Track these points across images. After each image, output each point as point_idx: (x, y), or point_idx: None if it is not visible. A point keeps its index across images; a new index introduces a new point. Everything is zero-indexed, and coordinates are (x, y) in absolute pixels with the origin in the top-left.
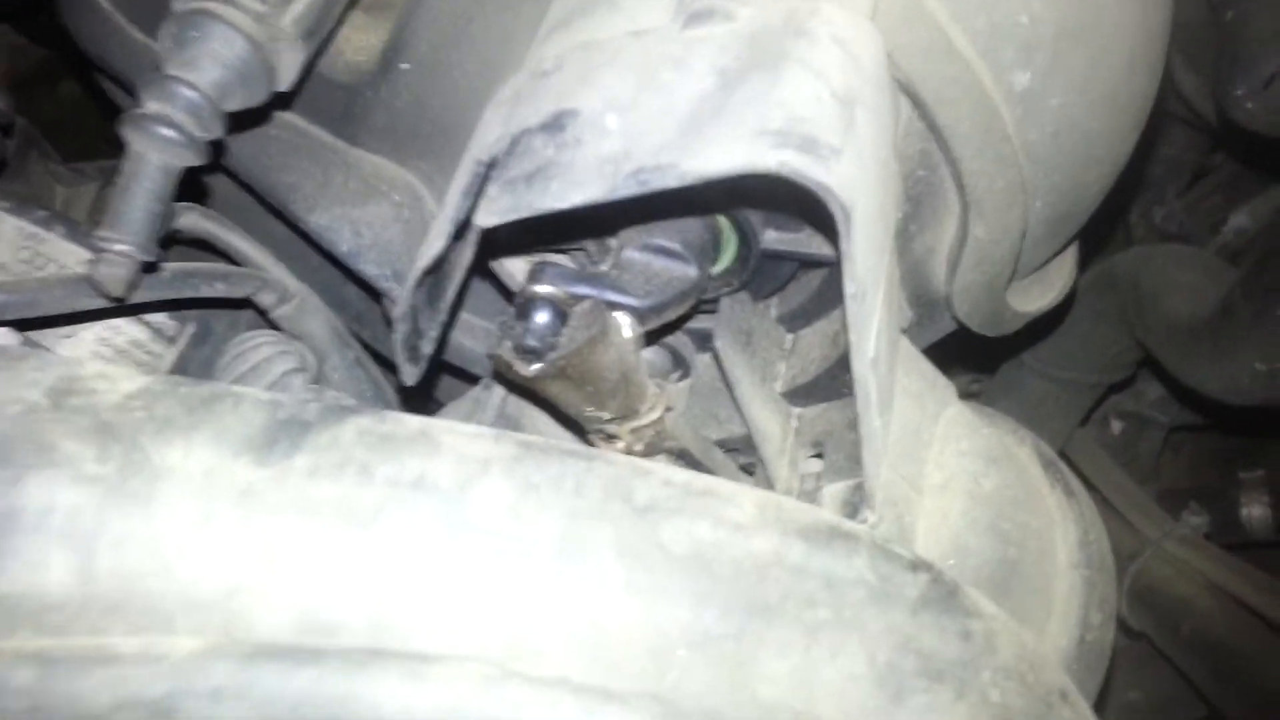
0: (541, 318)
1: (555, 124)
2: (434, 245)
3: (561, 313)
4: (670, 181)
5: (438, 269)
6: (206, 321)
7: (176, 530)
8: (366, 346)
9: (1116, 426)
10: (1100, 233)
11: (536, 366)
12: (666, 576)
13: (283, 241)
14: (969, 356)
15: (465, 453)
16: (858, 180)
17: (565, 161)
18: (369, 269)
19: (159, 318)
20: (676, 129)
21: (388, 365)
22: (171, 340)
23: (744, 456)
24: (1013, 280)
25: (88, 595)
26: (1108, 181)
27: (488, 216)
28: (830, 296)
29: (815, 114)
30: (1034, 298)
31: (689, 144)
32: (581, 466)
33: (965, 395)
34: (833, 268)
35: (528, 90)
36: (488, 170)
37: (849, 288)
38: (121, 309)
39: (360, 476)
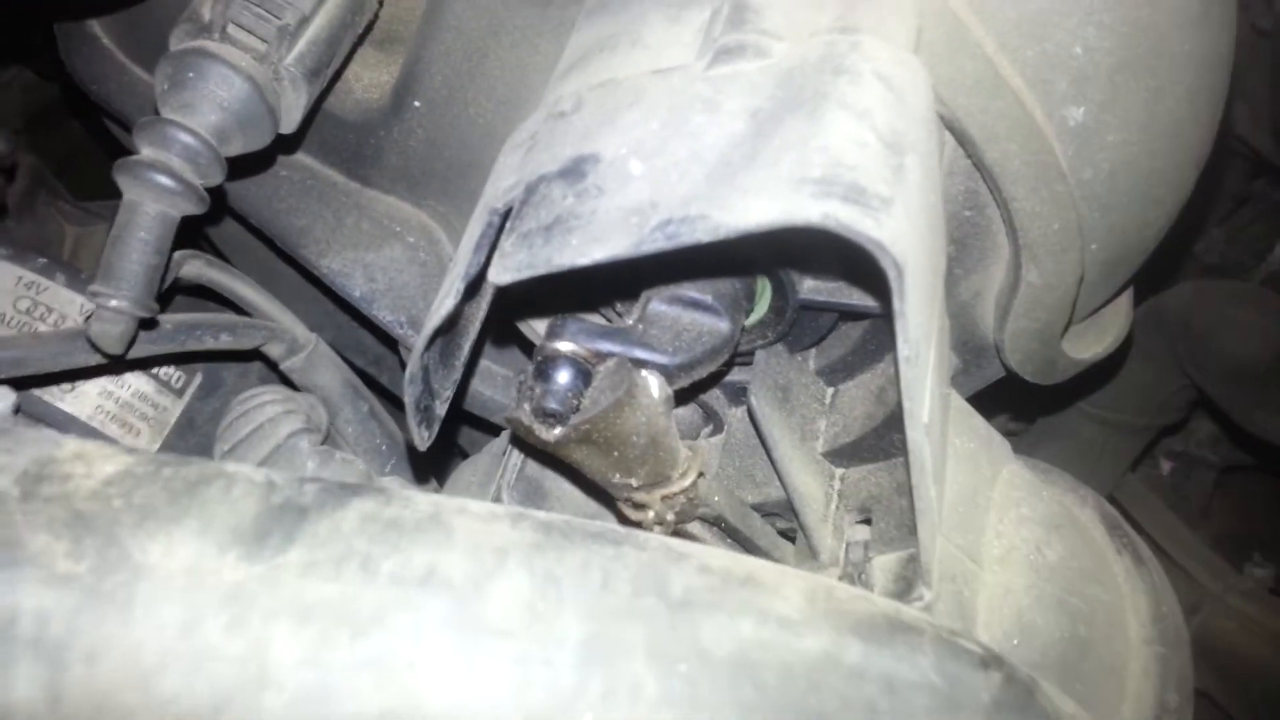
0: (563, 378)
1: (575, 170)
2: (445, 304)
3: (584, 372)
4: (701, 236)
5: (450, 328)
6: (215, 372)
7: (157, 639)
8: (386, 392)
9: (1165, 467)
10: (1154, 272)
11: (558, 431)
12: (707, 685)
13: (295, 287)
14: (1008, 396)
15: (479, 541)
16: (909, 233)
17: (586, 212)
18: (383, 315)
19: (166, 370)
20: (706, 177)
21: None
22: (179, 393)
23: (783, 521)
24: (1069, 328)
25: (58, 716)
26: (1167, 222)
27: (502, 273)
28: (873, 349)
29: (861, 160)
30: (1089, 344)
31: (721, 194)
32: (609, 554)
33: (1004, 434)
34: (876, 319)
35: (545, 133)
36: (502, 221)
37: (903, 350)
38: (125, 363)
39: (362, 573)
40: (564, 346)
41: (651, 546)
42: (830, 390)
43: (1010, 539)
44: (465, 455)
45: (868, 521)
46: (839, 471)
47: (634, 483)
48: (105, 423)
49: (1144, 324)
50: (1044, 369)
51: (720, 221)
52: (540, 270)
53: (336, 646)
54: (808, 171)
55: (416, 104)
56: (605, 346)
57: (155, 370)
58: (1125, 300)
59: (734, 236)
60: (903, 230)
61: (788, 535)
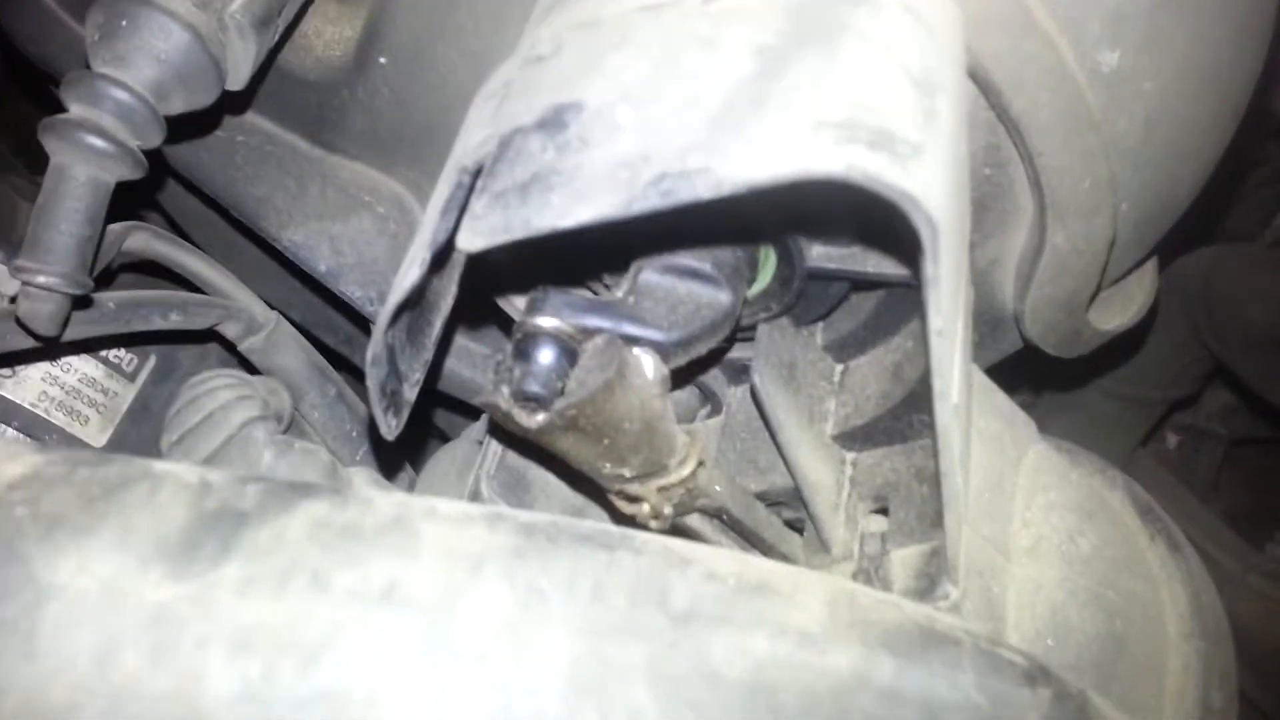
0: (545, 357)
1: (555, 121)
2: (409, 275)
3: (569, 351)
4: (703, 191)
5: (417, 302)
6: (170, 355)
7: (68, 673)
8: (360, 373)
9: (1172, 440)
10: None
11: (541, 417)
12: (718, 712)
13: (260, 263)
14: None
15: (451, 548)
16: (943, 185)
17: (568, 168)
18: (351, 290)
19: (116, 352)
20: (707, 125)
21: None
22: (131, 377)
23: (790, 511)
24: (1096, 296)
25: None
26: (1201, 179)
27: (473, 238)
28: (888, 321)
29: (888, 101)
30: (1113, 313)
31: (725, 143)
32: (601, 560)
33: None
34: (892, 288)
35: (520, 80)
36: (473, 180)
37: (934, 322)
38: (68, 346)
39: (312, 589)
40: (546, 322)
41: (650, 550)
42: (839, 367)
43: (1039, 527)
44: (445, 439)
45: (883, 511)
46: (850, 456)
47: (627, 473)
48: (50, 410)
49: (1161, 291)
50: (1067, 341)
51: (724, 175)
52: (516, 234)
53: (281, 678)
54: (827, 114)
55: (382, 60)
56: (592, 322)
57: (105, 353)
58: (1150, 266)
59: (740, 192)
60: (936, 182)
61: (795, 526)
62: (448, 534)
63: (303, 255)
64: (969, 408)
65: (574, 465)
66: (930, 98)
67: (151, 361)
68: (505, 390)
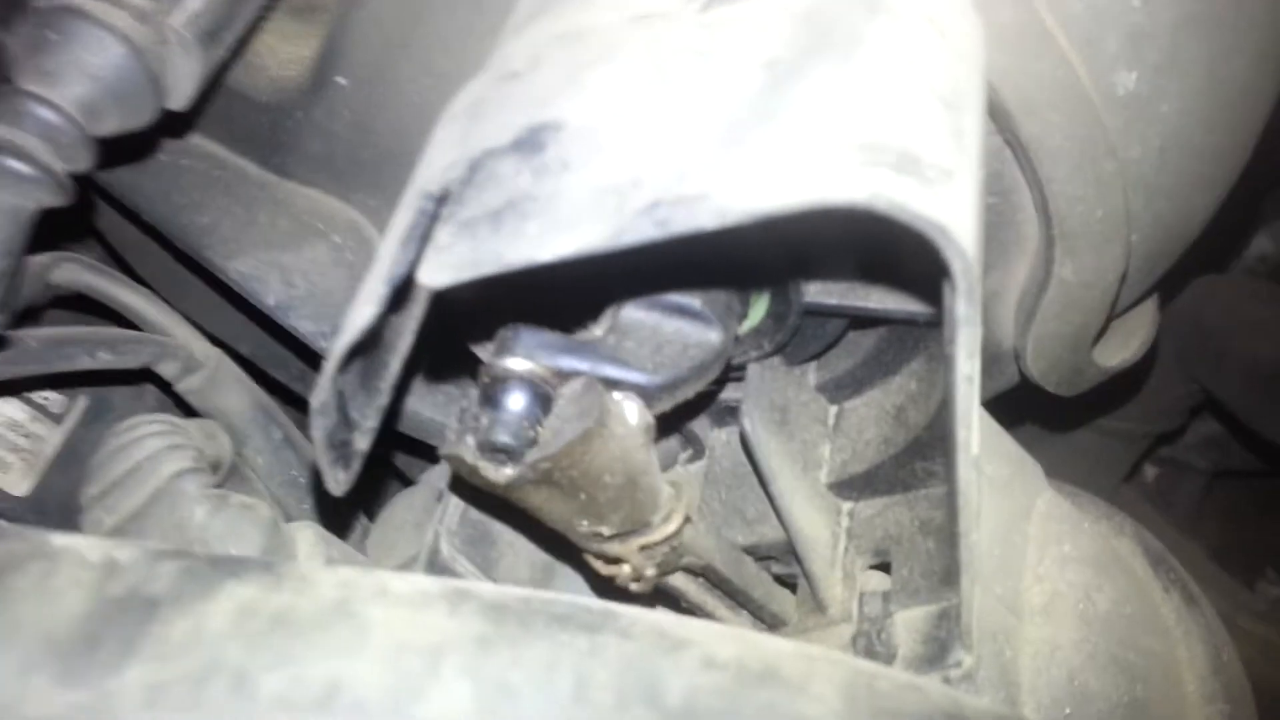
0: (515, 403)
1: (531, 141)
2: (362, 314)
3: (543, 395)
4: (704, 221)
5: (372, 343)
6: (103, 396)
7: None
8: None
9: (1150, 473)
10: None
11: (511, 470)
12: None
13: (201, 296)
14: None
15: (404, 638)
16: (973, 216)
17: (546, 194)
18: (303, 325)
19: (44, 393)
20: (708, 145)
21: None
22: (57, 419)
23: (780, 566)
24: (1103, 332)
25: None
26: (1212, 209)
27: (437, 272)
28: (889, 360)
29: (914, 121)
30: (1114, 349)
31: (728, 166)
32: (582, 646)
33: None
34: (892, 325)
35: (492, 98)
36: (437, 207)
37: (964, 367)
38: None
39: (233, 696)
40: (517, 364)
41: (638, 633)
42: (834, 409)
43: (1054, 583)
44: (404, 480)
45: (883, 567)
46: (847, 506)
47: (605, 531)
48: None
49: None
50: (1069, 379)
51: (728, 202)
52: (486, 269)
53: None
54: (847, 134)
55: (341, 81)
56: (569, 363)
57: (30, 394)
58: (1151, 299)
59: (747, 222)
60: (967, 211)
61: (786, 582)
62: (400, 620)
63: (250, 287)
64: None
65: (547, 523)
66: (958, 117)
67: (81, 403)
68: (470, 440)
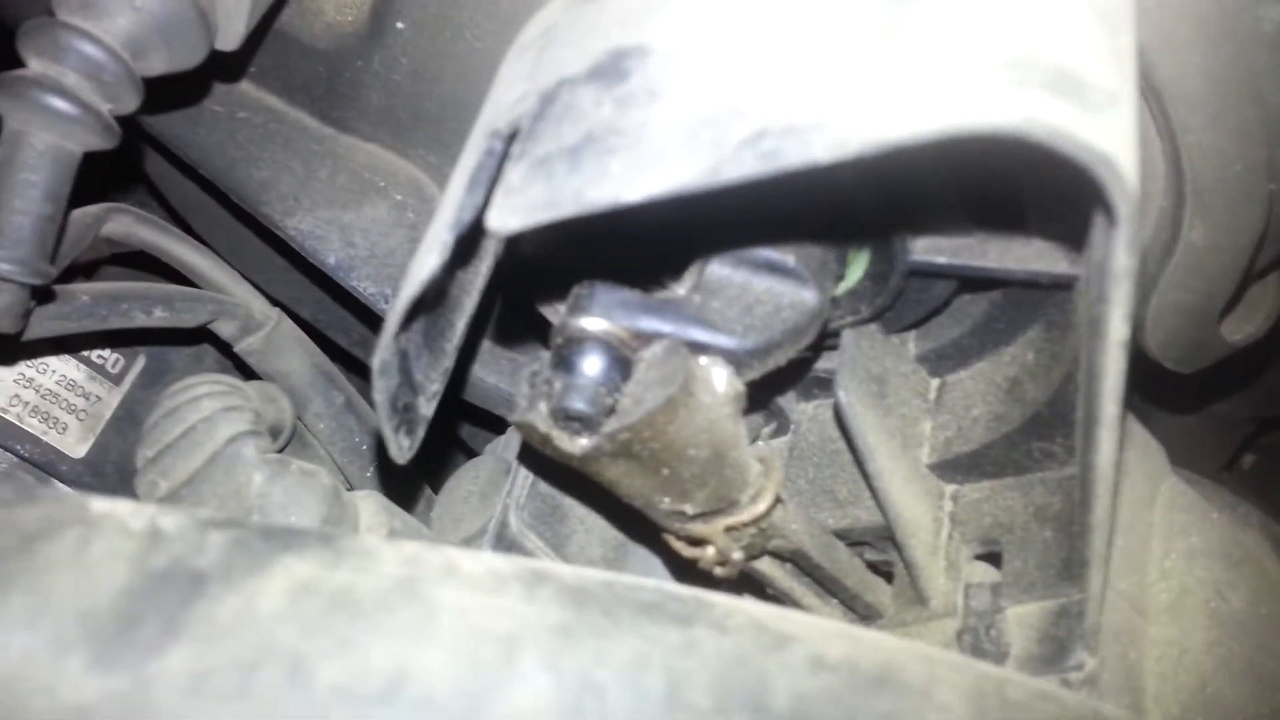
0: (592, 367)
1: (612, 68)
2: (426, 264)
3: (621, 359)
4: (819, 153)
5: (436, 299)
6: (161, 355)
7: None
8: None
9: (1247, 460)
10: None
11: (587, 441)
12: None
13: (260, 255)
14: None
15: (477, 624)
16: (1136, 151)
17: (633, 126)
18: (364, 286)
19: (101, 353)
20: (818, 66)
21: None
22: (116, 380)
23: (874, 552)
24: (1236, 302)
25: None
26: None
27: (508, 215)
28: (1002, 328)
29: (1070, 36)
30: (1238, 322)
31: (848, 89)
32: (674, 640)
33: None
34: (1008, 289)
35: (565, 23)
36: (507, 146)
37: (1118, 330)
38: (43, 345)
39: (288, 685)
40: (593, 324)
41: (735, 626)
42: (935, 382)
43: (1181, 579)
44: (468, 452)
45: (990, 557)
46: (950, 489)
47: (689, 510)
48: (23, 416)
49: None
50: (1191, 354)
51: (848, 132)
52: (564, 211)
53: None
54: (990, 50)
55: (400, 26)
56: (650, 324)
57: (87, 354)
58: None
59: (874, 152)
60: (1132, 144)
61: (879, 570)
62: (472, 604)
63: (310, 246)
64: None
65: (624, 498)
66: (1116, 37)
67: (140, 363)
68: (543, 407)
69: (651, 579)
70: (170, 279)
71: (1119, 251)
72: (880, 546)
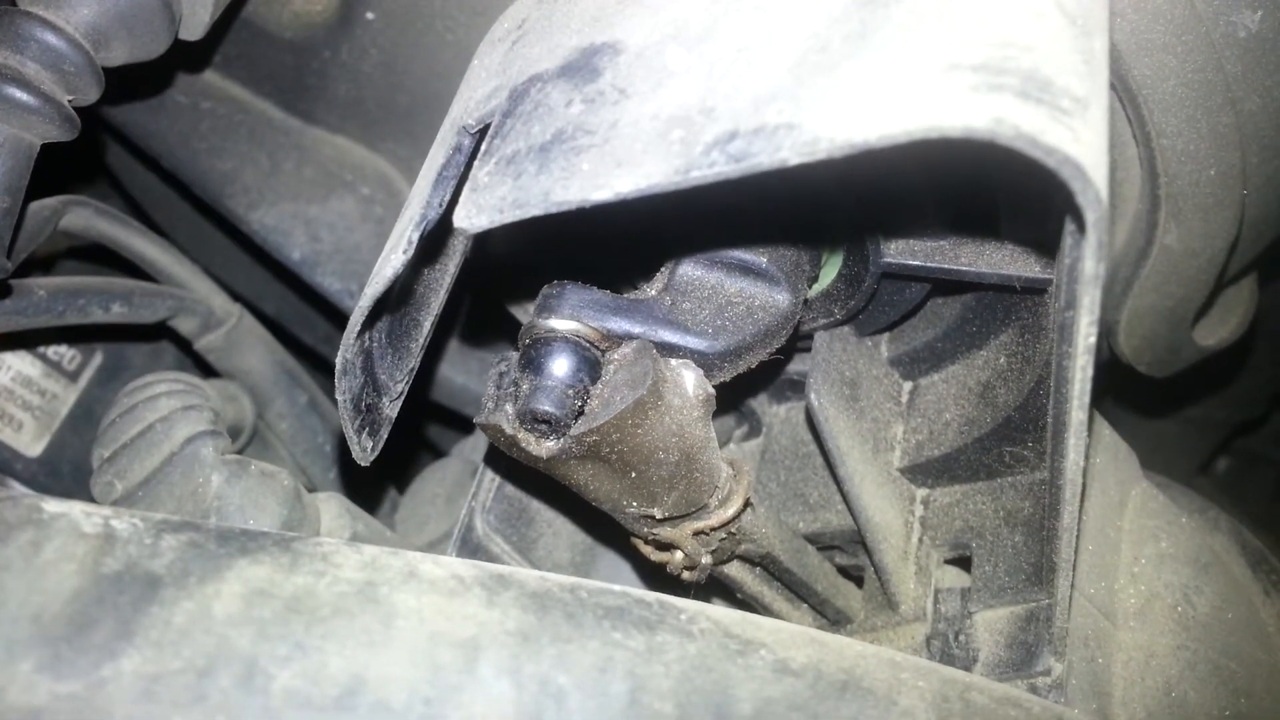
0: (560, 368)
1: (584, 66)
2: (390, 262)
3: (590, 360)
4: (789, 155)
5: (402, 297)
6: (119, 352)
7: None
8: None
9: (1221, 463)
10: None
11: (553, 443)
12: None
13: (222, 249)
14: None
15: (437, 628)
16: (1106, 155)
17: (602, 125)
18: (329, 282)
19: (57, 349)
20: (790, 68)
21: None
22: (72, 376)
23: (844, 557)
24: (1207, 308)
25: None
26: None
27: (475, 214)
28: (974, 331)
29: (1040, 38)
30: (1212, 327)
31: (817, 92)
32: (637, 645)
33: None
34: (981, 292)
35: (538, 18)
36: (475, 143)
37: (1087, 334)
38: (1, 339)
39: (242, 690)
40: (561, 324)
41: (700, 631)
42: (907, 385)
43: (1150, 584)
44: (435, 452)
45: (960, 561)
46: (921, 493)
47: (657, 513)
48: None
49: None
50: (1164, 358)
51: (818, 132)
52: (532, 210)
53: None
54: (960, 53)
55: (370, 16)
56: (619, 325)
57: (43, 349)
58: (1252, 273)
59: (841, 156)
60: (1101, 149)
61: (850, 574)
62: (432, 608)
63: (274, 241)
64: None
65: (592, 501)
66: (1087, 39)
67: (97, 360)
68: (509, 409)
69: (616, 585)
70: (130, 273)
71: (1087, 257)
72: (851, 550)
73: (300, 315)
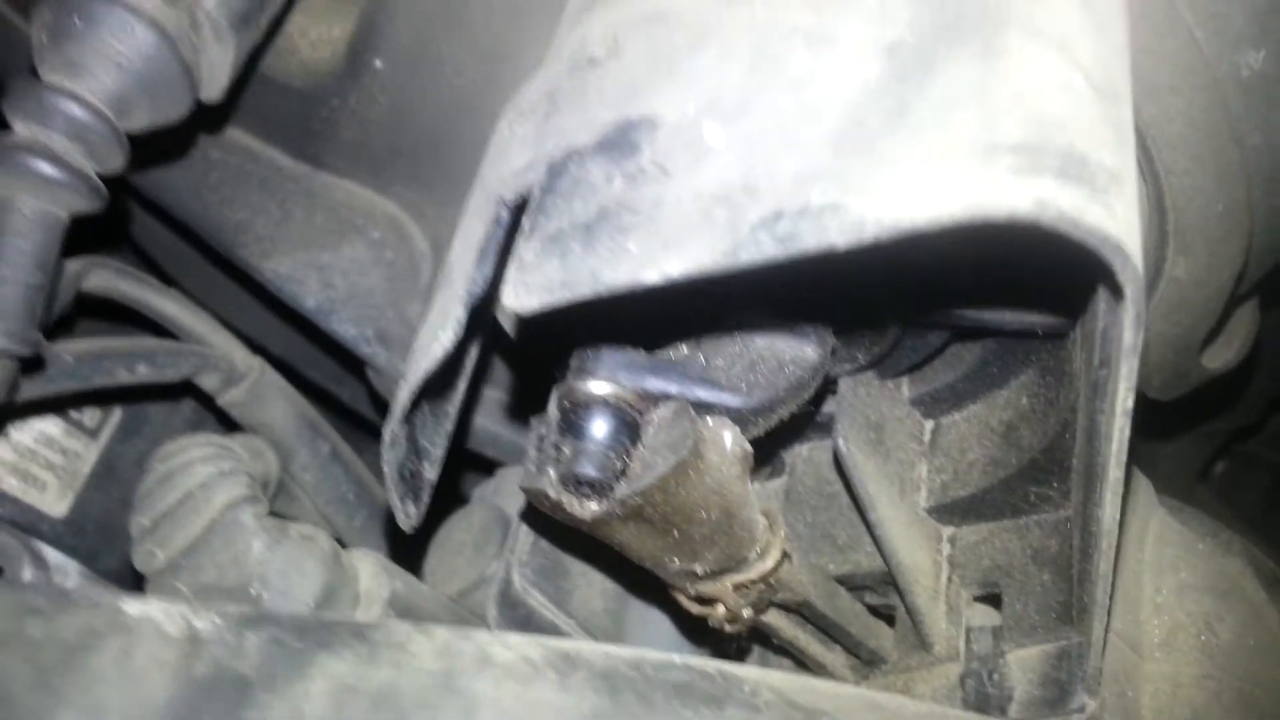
0: (600, 430)
1: (622, 141)
2: (441, 340)
3: (629, 422)
4: (837, 237)
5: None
6: (138, 407)
7: None
8: (348, 412)
9: (1219, 467)
10: None
11: (596, 507)
12: None
13: (230, 296)
14: None
15: (516, 718)
16: (1137, 226)
17: (644, 203)
18: (344, 329)
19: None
20: (830, 145)
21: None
22: (93, 434)
23: (874, 596)
24: (1214, 335)
25: None
26: None
27: (526, 295)
28: (996, 372)
29: (1073, 115)
30: (1217, 351)
31: (859, 172)
32: None
33: None
34: (1001, 336)
35: (569, 89)
36: (514, 215)
37: (1124, 400)
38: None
39: None
40: (599, 387)
41: (766, 703)
42: (929, 424)
43: (1173, 614)
44: (455, 490)
45: (989, 599)
46: (947, 532)
47: (699, 569)
48: (2, 475)
49: None
50: (1171, 382)
51: (865, 214)
52: (583, 291)
53: None
54: (998, 133)
55: (378, 64)
56: (656, 385)
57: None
58: (1254, 298)
59: (889, 239)
60: (1134, 221)
61: (879, 614)
62: (510, 696)
63: (288, 289)
64: None
65: (633, 559)
66: (1114, 108)
67: (116, 416)
68: (553, 473)
69: (676, 655)
70: (147, 328)
71: (1126, 328)
72: (880, 591)
73: (307, 354)
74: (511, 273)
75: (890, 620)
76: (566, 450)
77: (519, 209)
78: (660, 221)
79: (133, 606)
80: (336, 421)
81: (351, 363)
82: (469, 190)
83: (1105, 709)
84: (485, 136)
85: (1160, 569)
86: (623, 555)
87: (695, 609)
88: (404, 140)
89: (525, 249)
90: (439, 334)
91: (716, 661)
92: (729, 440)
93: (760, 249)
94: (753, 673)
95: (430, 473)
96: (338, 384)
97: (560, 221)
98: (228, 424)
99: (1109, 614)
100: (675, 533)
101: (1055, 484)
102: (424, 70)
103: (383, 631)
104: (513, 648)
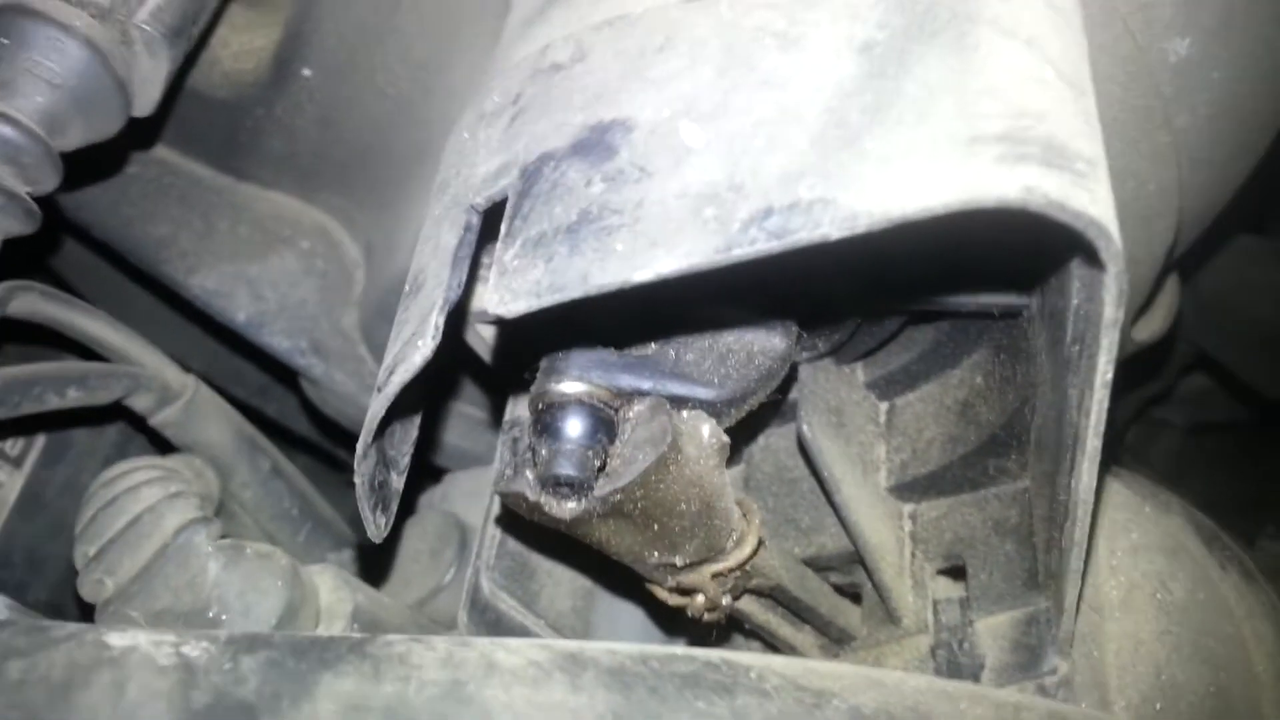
0: (575, 430)
1: (597, 144)
2: (420, 349)
3: (604, 420)
4: (830, 229)
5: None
6: (61, 434)
7: None
8: (274, 425)
9: (1129, 432)
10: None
11: (575, 506)
12: None
13: (148, 312)
14: None
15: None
16: (1114, 208)
17: (628, 204)
18: (277, 341)
19: None
20: (812, 143)
21: (302, 444)
22: (16, 463)
23: (838, 576)
24: (1145, 309)
25: None
26: (1246, 176)
27: (510, 300)
28: (949, 353)
29: (1049, 105)
30: (1146, 323)
31: (844, 167)
32: (722, 712)
33: None
34: (954, 320)
35: (536, 94)
36: (484, 221)
37: (1105, 372)
38: None
39: None
40: (571, 387)
41: (774, 687)
42: (884, 405)
43: (1129, 575)
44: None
45: (952, 571)
46: (907, 509)
47: (678, 561)
48: None
49: None
50: None
51: (855, 207)
52: (572, 293)
53: None
54: (980, 125)
55: (306, 73)
56: (629, 382)
57: None
58: (1174, 272)
59: (882, 228)
60: (1111, 203)
61: (844, 592)
62: (523, 700)
63: (217, 304)
64: None
65: (612, 555)
66: (1084, 99)
67: (40, 443)
68: (530, 476)
69: (678, 648)
70: (69, 349)
71: (1109, 304)
72: (845, 570)
73: (230, 369)
74: (494, 278)
75: (856, 598)
76: (543, 452)
77: (490, 214)
78: (645, 221)
79: (116, 638)
80: (276, 441)
81: (283, 375)
82: (425, 196)
83: (1074, 669)
84: (421, 143)
85: (1114, 532)
86: (599, 553)
87: (674, 600)
88: (334, 148)
89: (505, 254)
90: (418, 343)
91: (719, 651)
92: (706, 432)
93: (753, 244)
94: (755, 659)
95: (398, 482)
96: (262, 398)
97: (541, 225)
98: (158, 445)
99: (1083, 579)
100: (655, 526)
101: (1013, 456)
102: (355, 79)
103: (382, 646)
104: (516, 652)
